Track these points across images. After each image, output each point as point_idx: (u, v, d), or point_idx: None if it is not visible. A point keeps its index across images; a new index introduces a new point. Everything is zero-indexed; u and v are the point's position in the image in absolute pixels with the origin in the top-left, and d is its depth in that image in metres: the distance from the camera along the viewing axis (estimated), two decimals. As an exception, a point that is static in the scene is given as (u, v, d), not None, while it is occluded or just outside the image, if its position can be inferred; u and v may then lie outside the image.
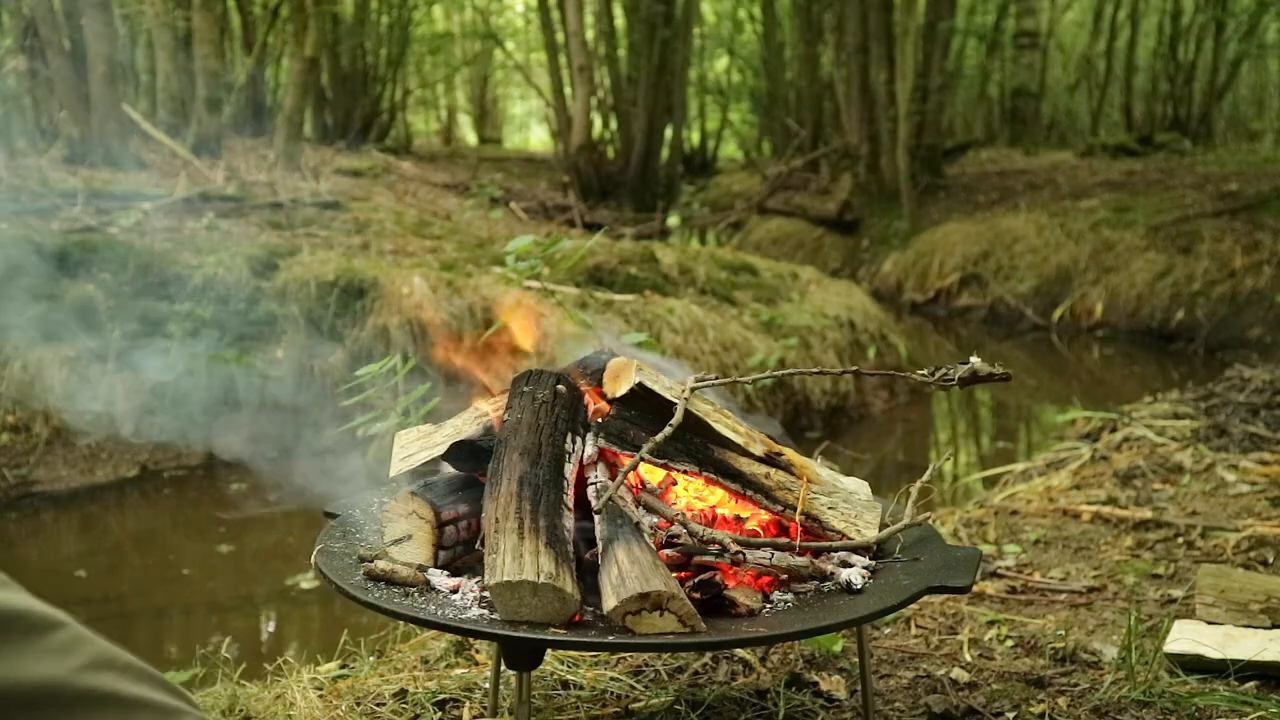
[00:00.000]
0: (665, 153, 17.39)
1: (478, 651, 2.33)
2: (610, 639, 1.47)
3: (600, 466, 1.73)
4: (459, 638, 2.30)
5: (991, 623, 2.54)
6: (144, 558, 4.98)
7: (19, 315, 5.75)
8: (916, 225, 12.47)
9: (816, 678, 2.17)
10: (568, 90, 16.51)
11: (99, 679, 0.86)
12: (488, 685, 2.11)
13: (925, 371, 1.79)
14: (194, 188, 8.49)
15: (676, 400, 1.74)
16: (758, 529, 1.77)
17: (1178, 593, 2.71)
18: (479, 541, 1.71)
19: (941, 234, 11.72)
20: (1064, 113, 20.32)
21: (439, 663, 2.31)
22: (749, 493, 1.74)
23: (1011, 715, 2.04)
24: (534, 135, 30.85)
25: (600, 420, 1.78)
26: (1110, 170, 13.79)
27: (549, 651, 1.99)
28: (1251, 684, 2.12)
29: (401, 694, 2.14)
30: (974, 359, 1.73)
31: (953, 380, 1.74)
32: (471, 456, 1.84)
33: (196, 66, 11.36)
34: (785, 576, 1.66)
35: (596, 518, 1.61)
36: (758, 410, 6.19)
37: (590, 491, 1.68)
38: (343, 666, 2.35)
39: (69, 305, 5.86)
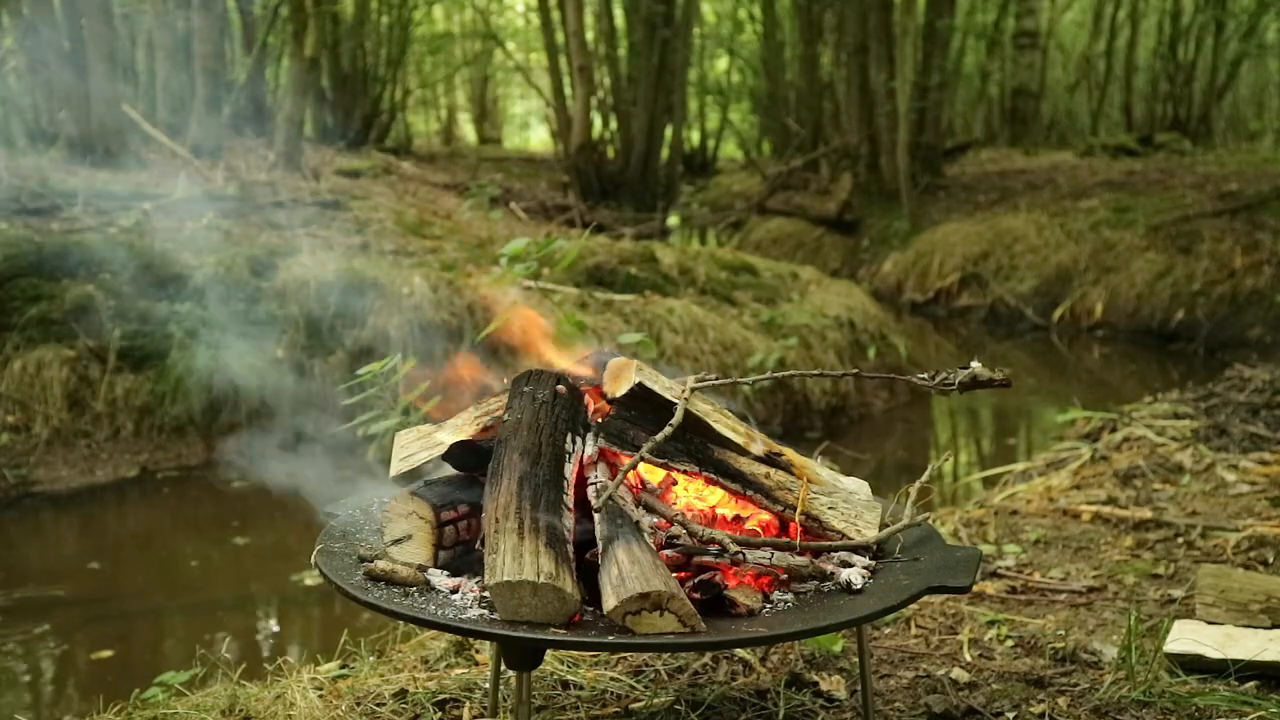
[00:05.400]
0: (665, 153, 17.36)
1: (478, 651, 2.33)
2: (610, 639, 1.48)
3: (600, 466, 1.73)
4: (459, 638, 2.30)
5: (991, 623, 2.54)
6: (143, 558, 4.98)
7: (19, 315, 5.76)
8: (916, 225, 12.46)
9: (816, 678, 2.17)
10: (568, 90, 16.50)
11: None
12: (488, 685, 2.11)
13: (925, 376, 1.79)
14: (194, 188, 8.48)
15: (676, 400, 1.75)
16: (758, 529, 1.77)
17: (1178, 593, 2.71)
18: (479, 541, 1.71)
19: (941, 234, 11.71)
20: (1064, 113, 20.32)
21: (439, 663, 2.31)
22: (749, 493, 1.74)
23: (1011, 715, 2.04)
24: (534, 135, 30.81)
25: (600, 420, 1.78)
26: (1110, 170, 13.79)
27: (549, 651, 1.99)
28: (1251, 684, 2.12)
29: (401, 694, 2.14)
30: (974, 363, 1.73)
31: (953, 385, 1.74)
32: (471, 456, 1.84)
33: (196, 66, 11.35)
34: (785, 576, 1.66)
35: (596, 518, 1.60)
36: (758, 411, 6.19)
37: (590, 491, 1.68)
38: (343, 666, 2.35)
39: (69, 305, 5.85)
